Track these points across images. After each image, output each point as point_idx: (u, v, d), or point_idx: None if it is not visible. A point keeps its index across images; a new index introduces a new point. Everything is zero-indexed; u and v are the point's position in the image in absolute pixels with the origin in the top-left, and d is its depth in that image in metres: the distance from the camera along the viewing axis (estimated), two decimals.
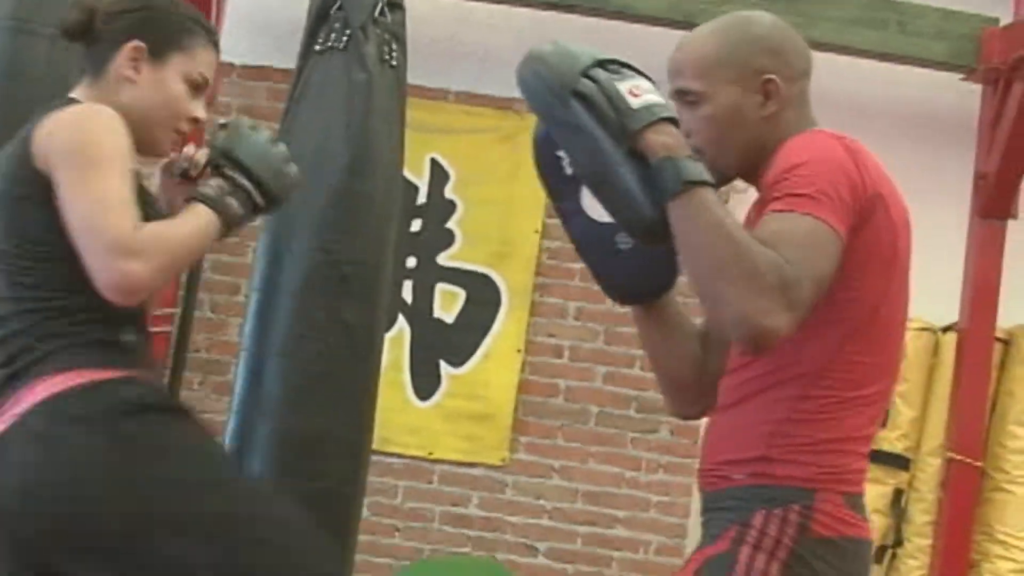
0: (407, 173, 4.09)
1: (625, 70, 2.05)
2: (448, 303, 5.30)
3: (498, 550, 5.19)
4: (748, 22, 2.17)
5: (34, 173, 2.21)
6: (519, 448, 5.25)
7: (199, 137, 3.42)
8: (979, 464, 4.90)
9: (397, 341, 5.17)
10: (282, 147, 2.41)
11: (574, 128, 2.01)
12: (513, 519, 5.22)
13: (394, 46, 3.26)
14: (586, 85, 2.01)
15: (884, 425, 4.64)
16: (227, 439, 3.21)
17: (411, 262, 5.27)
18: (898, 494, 4.98)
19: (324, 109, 3.21)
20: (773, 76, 2.12)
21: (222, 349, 5.14)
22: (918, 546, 4.96)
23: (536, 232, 5.27)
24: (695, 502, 5.16)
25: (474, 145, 5.33)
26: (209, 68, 2.39)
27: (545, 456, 5.24)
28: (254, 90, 5.32)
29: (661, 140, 1.99)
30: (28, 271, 2.24)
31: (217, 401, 5.01)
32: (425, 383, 5.25)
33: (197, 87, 2.37)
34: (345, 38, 3.21)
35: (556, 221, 5.23)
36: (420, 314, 5.28)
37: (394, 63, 3.25)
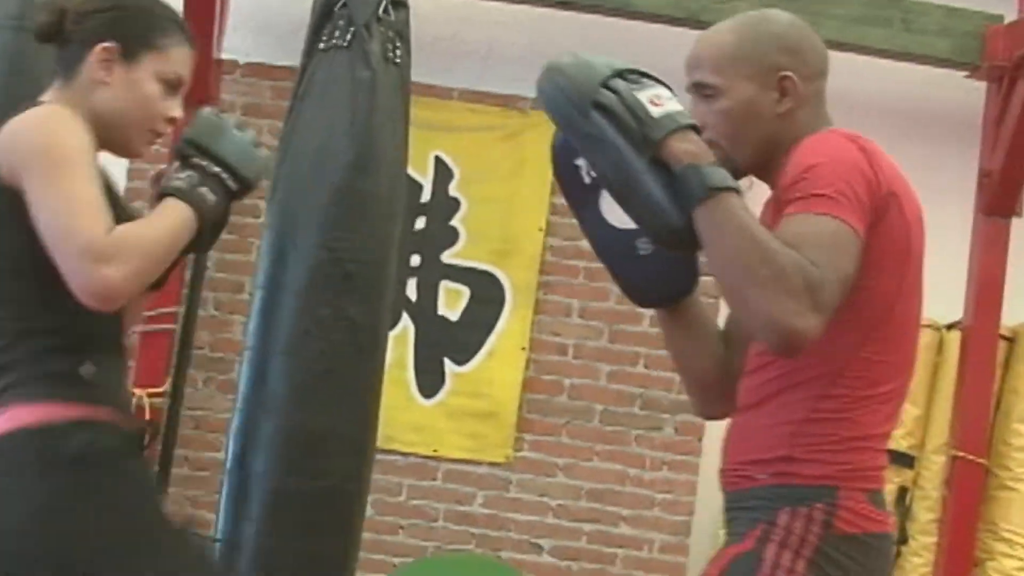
0: (411, 171, 4.09)
1: (644, 79, 2.07)
2: (452, 301, 5.29)
3: (502, 548, 5.19)
4: (767, 20, 2.20)
5: None
6: (523, 446, 5.24)
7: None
8: (983, 462, 4.89)
9: (401, 339, 5.16)
10: (249, 131, 2.39)
11: (596, 139, 2.02)
12: (517, 517, 5.22)
13: (398, 44, 3.26)
14: (606, 96, 2.02)
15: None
16: (231, 437, 3.22)
17: (415, 260, 5.27)
18: (903, 492, 4.97)
19: (328, 107, 3.21)
20: (790, 73, 2.14)
21: (226, 347, 5.14)
22: (923, 544, 4.96)
23: (540, 230, 5.25)
24: (699, 500, 5.18)
25: (478, 143, 5.31)
26: (184, 66, 2.35)
27: (549, 454, 5.23)
28: (258, 88, 5.31)
29: (684, 148, 2.00)
30: None
31: (221, 399, 5.02)
32: (429, 381, 5.25)
33: (172, 86, 2.33)
34: (349, 36, 3.22)
35: (560, 219, 5.27)
36: (424, 312, 5.27)
37: (398, 61, 3.26)
